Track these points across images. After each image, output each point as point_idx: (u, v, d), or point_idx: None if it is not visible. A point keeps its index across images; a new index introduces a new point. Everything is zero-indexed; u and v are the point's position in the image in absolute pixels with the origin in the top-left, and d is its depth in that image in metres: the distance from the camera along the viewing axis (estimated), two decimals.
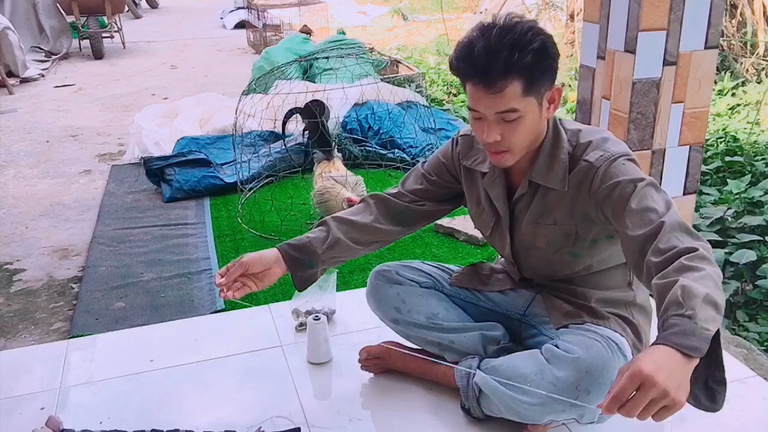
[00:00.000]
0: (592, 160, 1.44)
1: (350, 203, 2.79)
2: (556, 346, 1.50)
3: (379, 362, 1.86)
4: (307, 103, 3.21)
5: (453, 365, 1.69)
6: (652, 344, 1.12)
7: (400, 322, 1.78)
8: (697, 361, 1.09)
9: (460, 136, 1.67)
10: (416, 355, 1.75)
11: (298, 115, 3.28)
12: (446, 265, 1.88)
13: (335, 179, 2.95)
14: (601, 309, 1.59)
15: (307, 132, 3.27)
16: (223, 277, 1.54)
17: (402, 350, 1.83)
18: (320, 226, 1.66)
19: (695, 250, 1.22)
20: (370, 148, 3.87)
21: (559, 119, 1.52)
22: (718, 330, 1.14)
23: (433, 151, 3.71)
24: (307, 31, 6.14)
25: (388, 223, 1.69)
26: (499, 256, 1.80)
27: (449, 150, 1.68)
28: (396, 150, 3.84)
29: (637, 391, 1.06)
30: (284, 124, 3.28)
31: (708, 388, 1.17)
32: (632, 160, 1.43)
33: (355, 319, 2.13)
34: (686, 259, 1.20)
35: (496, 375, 1.55)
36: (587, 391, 1.42)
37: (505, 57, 1.32)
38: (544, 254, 1.59)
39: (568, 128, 1.52)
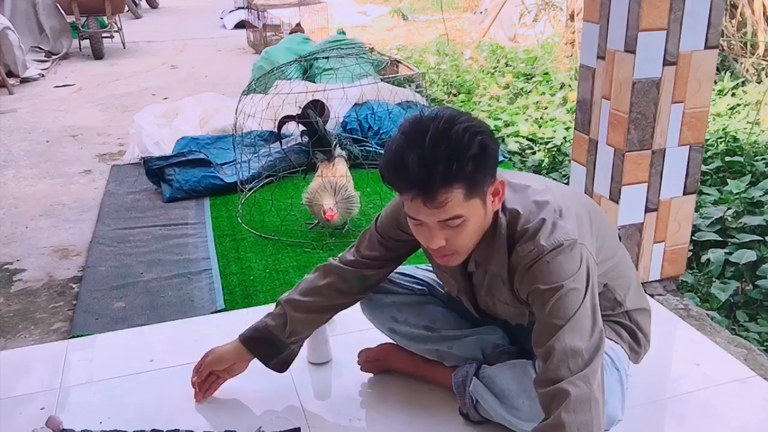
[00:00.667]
0: (521, 254, 1.38)
1: (327, 217, 2.82)
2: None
3: (378, 364, 1.86)
4: (304, 107, 3.20)
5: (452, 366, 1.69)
6: None
7: (396, 331, 1.78)
8: None
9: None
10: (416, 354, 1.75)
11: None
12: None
13: (325, 186, 2.93)
14: None
15: (305, 134, 3.26)
16: (195, 379, 1.74)
17: (401, 352, 1.83)
18: (278, 310, 1.69)
19: (565, 398, 1.24)
20: (370, 148, 3.86)
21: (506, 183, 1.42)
22: None
23: None
24: (297, 31, 6.17)
25: (346, 295, 1.68)
26: None
27: (401, 209, 1.47)
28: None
29: None
30: (279, 127, 3.27)
31: None
32: (560, 250, 1.34)
33: (355, 319, 2.12)
34: (551, 413, 1.26)
35: (492, 385, 1.55)
36: None
37: (443, 169, 1.23)
38: (509, 319, 1.60)
39: (508, 209, 1.42)
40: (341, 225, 2.99)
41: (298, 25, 6.95)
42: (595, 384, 1.28)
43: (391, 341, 1.85)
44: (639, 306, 1.65)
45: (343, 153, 3.35)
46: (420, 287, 1.79)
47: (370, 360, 1.86)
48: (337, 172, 3.05)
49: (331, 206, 2.85)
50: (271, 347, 1.69)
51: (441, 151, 1.24)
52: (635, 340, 1.63)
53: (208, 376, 1.75)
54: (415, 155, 1.24)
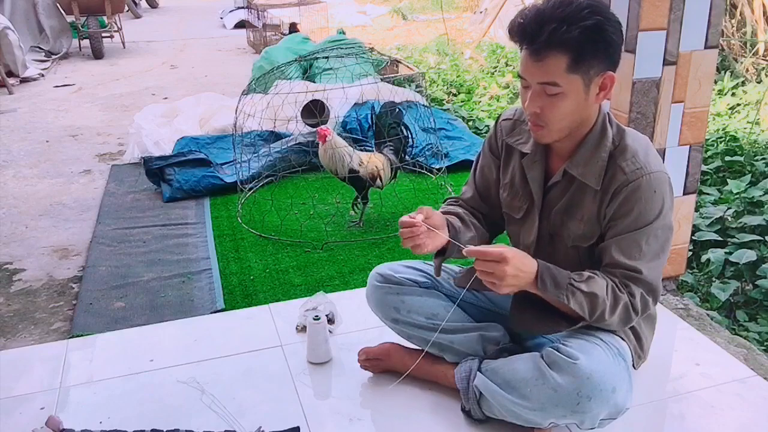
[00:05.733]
0: (627, 170, 1.43)
1: (319, 132, 2.92)
2: (557, 350, 1.48)
3: (378, 363, 1.86)
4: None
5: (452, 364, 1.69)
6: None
7: (399, 322, 1.78)
8: (538, 293, 1.43)
9: (502, 119, 1.68)
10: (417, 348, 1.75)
11: (298, 114, 3.27)
12: (446, 265, 1.87)
13: (346, 153, 3.01)
14: None
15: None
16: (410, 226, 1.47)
17: (401, 351, 1.83)
18: (461, 222, 1.66)
19: (633, 296, 1.46)
20: (370, 148, 3.86)
21: (608, 114, 1.50)
22: (578, 319, 1.46)
23: (432, 151, 3.74)
24: (292, 30, 6.19)
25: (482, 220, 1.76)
26: None
27: (492, 132, 1.70)
28: (403, 150, 3.83)
29: (491, 261, 1.37)
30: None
31: (532, 318, 1.52)
32: (663, 183, 1.44)
33: (355, 319, 2.13)
34: (622, 285, 1.46)
35: (496, 378, 1.55)
36: (588, 398, 1.41)
37: (552, 28, 1.32)
38: (563, 247, 1.57)
39: (616, 124, 1.50)
40: (333, 169, 3.01)
41: (293, 24, 6.95)
42: (638, 315, 1.49)
43: (390, 341, 1.85)
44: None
45: (392, 155, 3.29)
46: (425, 280, 1.79)
47: (370, 359, 1.86)
48: (368, 154, 3.13)
49: (323, 127, 2.96)
50: (455, 243, 1.57)
51: (557, 12, 1.33)
52: (639, 343, 1.64)
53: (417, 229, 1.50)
54: (536, 11, 1.35)
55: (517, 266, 1.37)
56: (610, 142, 1.46)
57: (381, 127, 3.23)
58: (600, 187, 1.47)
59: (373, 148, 3.31)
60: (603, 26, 1.34)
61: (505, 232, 1.76)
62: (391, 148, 3.20)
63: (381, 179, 3.05)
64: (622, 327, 1.52)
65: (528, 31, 1.35)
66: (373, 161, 3.05)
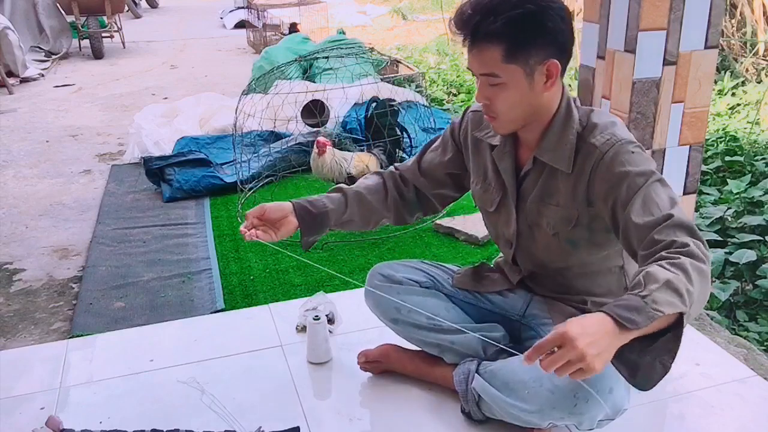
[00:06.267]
0: (598, 144, 1.40)
1: (318, 144, 2.94)
2: (554, 351, 1.48)
3: (377, 365, 1.86)
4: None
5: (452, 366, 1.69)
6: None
7: (399, 322, 1.77)
8: (633, 334, 1.12)
9: (471, 110, 1.66)
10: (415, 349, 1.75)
11: (298, 114, 3.28)
12: (446, 265, 1.87)
13: (344, 158, 3.03)
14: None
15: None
16: (245, 226, 1.57)
17: (400, 353, 1.83)
18: (339, 197, 1.67)
19: (685, 246, 1.21)
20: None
21: (574, 98, 1.49)
22: (680, 316, 1.14)
23: None
24: (293, 30, 6.19)
25: (399, 206, 1.73)
26: (499, 256, 1.80)
27: (459, 120, 1.69)
28: (396, 150, 3.83)
29: (558, 349, 1.10)
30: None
31: (649, 365, 1.18)
32: (639, 147, 1.41)
33: (355, 319, 2.13)
34: (669, 251, 1.21)
35: (495, 380, 1.54)
36: (585, 400, 1.40)
37: (479, 20, 1.33)
38: (544, 236, 1.54)
39: (583, 107, 1.49)
40: (331, 178, 3.02)
41: (294, 24, 6.95)
42: (709, 266, 1.23)
43: (389, 342, 1.85)
44: None
45: (382, 155, 3.33)
46: (425, 280, 1.79)
47: (369, 361, 1.86)
48: (358, 155, 3.13)
49: (321, 138, 2.95)
50: (315, 226, 1.65)
51: (485, 3, 1.33)
52: None
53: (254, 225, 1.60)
54: (470, 3, 1.35)
55: (581, 331, 1.09)
56: (576, 124, 1.45)
57: (376, 126, 3.24)
58: (573, 170, 1.45)
59: (364, 149, 3.33)
60: (535, 15, 1.32)
61: (442, 210, 1.78)
62: (381, 148, 3.21)
63: None
64: (708, 287, 1.23)
65: (460, 25, 1.37)
66: (364, 161, 3.05)
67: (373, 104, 3.35)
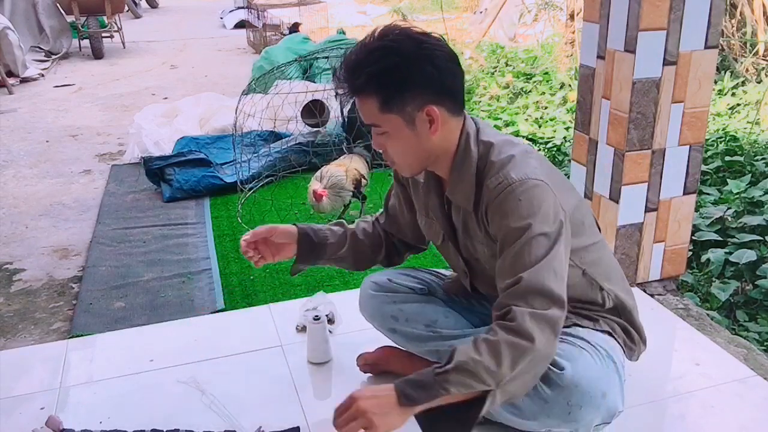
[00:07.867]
0: (490, 186, 1.37)
1: (315, 195, 2.91)
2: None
3: (377, 367, 1.86)
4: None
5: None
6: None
7: (397, 331, 1.76)
8: (417, 408, 1.29)
9: None
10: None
11: (298, 114, 3.28)
12: (439, 271, 1.85)
13: (318, 173, 3.02)
14: (587, 313, 1.56)
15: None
16: (247, 242, 1.63)
17: (399, 354, 1.82)
18: (341, 234, 1.71)
19: (513, 320, 1.27)
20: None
21: (477, 130, 1.45)
22: (485, 394, 1.29)
23: None
24: (296, 29, 6.20)
25: (391, 254, 1.78)
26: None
27: None
28: None
29: (345, 413, 1.31)
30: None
31: (447, 427, 1.33)
32: (535, 186, 1.33)
33: (355, 319, 2.12)
34: (498, 322, 1.30)
35: None
36: (579, 406, 1.40)
37: (347, 76, 1.35)
38: (490, 266, 1.50)
39: (483, 141, 1.43)
40: (333, 213, 3.00)
41: (296, 24, 6.95)
42: (550, 337, 1.30)
43: (389, 344, 1.84)
44: (626, 302, 1.59)
45: (364, 151, 3.35)
46: (421, 287, 1.78)
47: (368, 364, 1.86)
48: (343, 163, 3.07)
49: (317, 189, 2.91)
50: (311, 256, 1.70)
51: (351, 59, 1.35)
52: (629, 337, 1.60)
53: (257, 246, 1.68)
54: (351, 56, 1.36)
55: (369, 395, 1.31)
56: (474, 161, 1.41)
57: (356, 125, 3.27)
58: (474, 208, 1.44)
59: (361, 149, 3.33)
60: (399, 67, 1.30)
61: (426, 247, 1.80)
62: (363, 145, 3.24)
63: (365, 178, 3.10)
64: (535, 360, 1.30)
65: (338, 81, 1.38)
66: (350, 170, 3.05)
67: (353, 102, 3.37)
